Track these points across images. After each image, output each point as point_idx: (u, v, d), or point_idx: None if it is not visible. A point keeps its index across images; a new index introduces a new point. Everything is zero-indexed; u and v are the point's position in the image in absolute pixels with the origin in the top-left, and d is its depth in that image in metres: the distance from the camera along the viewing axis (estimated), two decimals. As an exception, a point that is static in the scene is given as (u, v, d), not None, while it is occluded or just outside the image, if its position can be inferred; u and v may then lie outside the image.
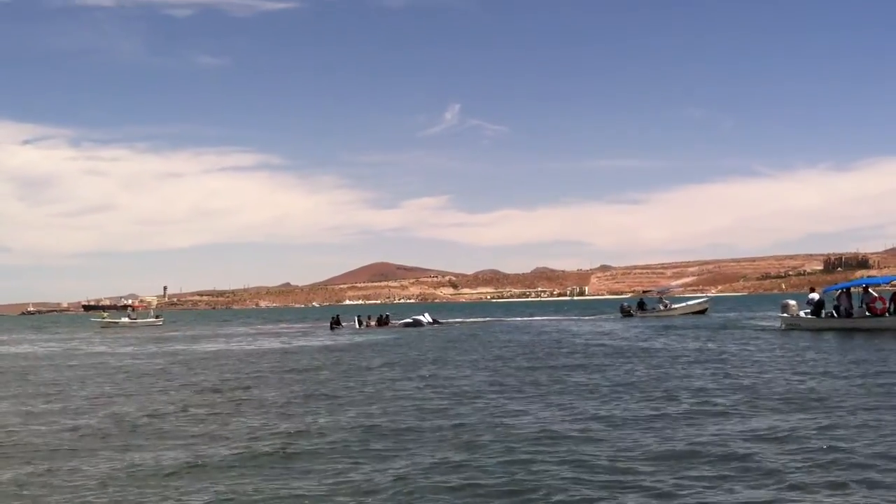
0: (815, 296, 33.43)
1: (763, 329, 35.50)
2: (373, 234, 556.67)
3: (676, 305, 61.90)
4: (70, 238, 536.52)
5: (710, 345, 26.91)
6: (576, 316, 70.17)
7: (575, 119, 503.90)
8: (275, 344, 39.04)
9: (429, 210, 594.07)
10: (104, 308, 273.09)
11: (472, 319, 69.68)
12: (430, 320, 57.88)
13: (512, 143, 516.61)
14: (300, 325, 67.01)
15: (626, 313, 60.11)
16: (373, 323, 56.67)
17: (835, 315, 31.39)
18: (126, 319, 75.74)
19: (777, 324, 35.54)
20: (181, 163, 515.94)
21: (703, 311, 59.10)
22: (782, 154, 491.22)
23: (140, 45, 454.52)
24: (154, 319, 79.28)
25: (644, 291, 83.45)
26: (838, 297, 31.21)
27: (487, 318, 70.88)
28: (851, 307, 30.68)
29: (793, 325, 33.46)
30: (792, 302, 35.33)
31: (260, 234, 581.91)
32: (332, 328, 55.28)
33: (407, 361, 24.39)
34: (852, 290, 31.60)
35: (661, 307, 59.77)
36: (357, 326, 55.02)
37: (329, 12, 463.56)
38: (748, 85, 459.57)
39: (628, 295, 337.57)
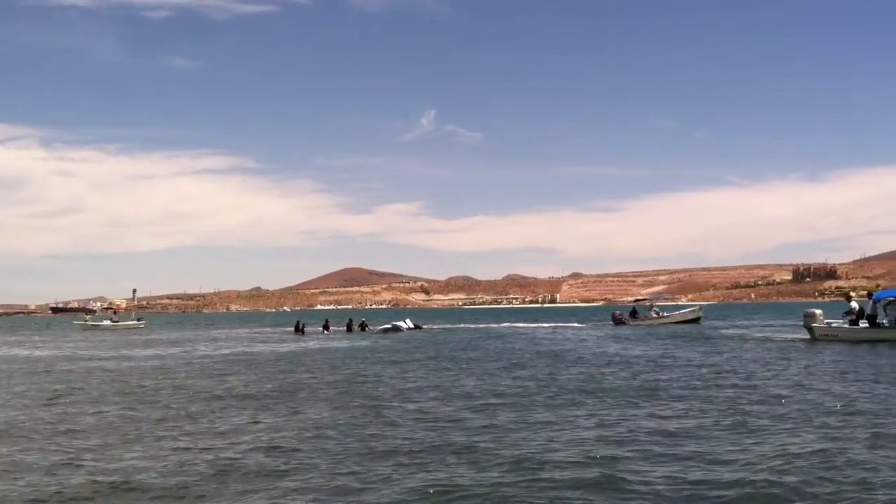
0: (855, 305, 32.18)
1: (774, 340, 34.58)
2: (345, 239, 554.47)
3: (669, 314, 62.00)
4: (39, 239, 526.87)
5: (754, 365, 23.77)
6: (564, 323, 69.98)
7: (549, 127, 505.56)
8: (265, 347, 38.41)
9: (402, 216, 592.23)
10: (73, 310, 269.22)
11: (462, 325, 69.36)
12: (412, 326, 57.20)
13: (486, 149, 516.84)
14: (284, 329, 66.30)
15: (618, 321, 60.00)
16: (332, 328, 56.58)
17: (868, 325, 30.44)
18: (108, 322, 74.49)
19: (803, 334, 34.11)
20: (153, 165, 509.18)
21: (696, 320, 59.16)
22: (754, 165, 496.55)
23: (114, 46, 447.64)
24: (136, 322, 77.95)
25: (636, 300, 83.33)
26: (884, 307, 30.29)
27: (473, 325, 70.46)
28: None
29: (828, 336, 31.66)
30: (818, 311, 33.88)
31: (232, 237, 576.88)
32: (302, 333, 55.11)
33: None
34: None
35: (654, 315, 59.75)
36: (323, 332, 55.06)
37: (306, 16, 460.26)
38: (721, 96, 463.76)
39: (599, 303, 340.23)
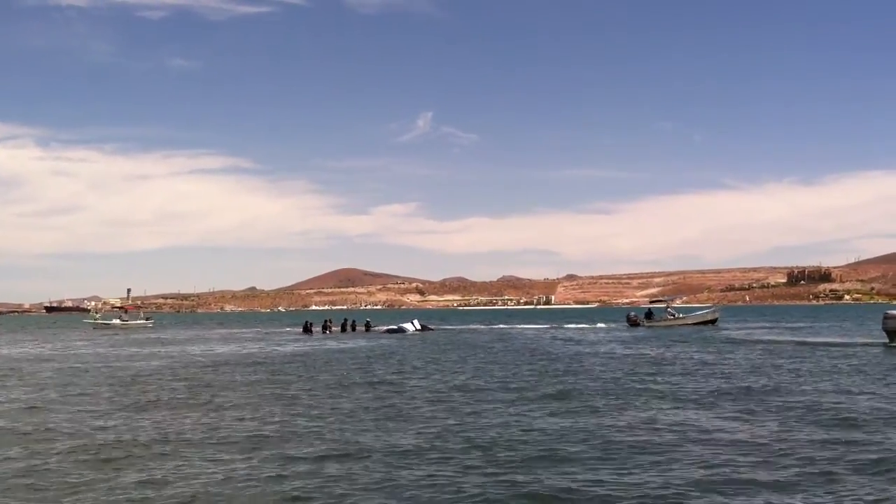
0: None
1: (851, 346, 32.57)
2: (341, 240, 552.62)
3: (685, 315, 62.01)
4: (36, 238, 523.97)
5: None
6: (576, 324, 69.90)
7: (546, 129, 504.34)
8: (285, 347, 38.35)
9: (397, 217, 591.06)
10: (67, 309, 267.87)
11: (473, 326, 69.43)
12: (419, 327, 57.22)
13: (482, 151, 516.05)
14: (292, 330, 66.98)
15: (633, 323, 59.89)
16: (335, 329, 57.76)
17: None
18: (118, 321, 74.69)
19: (871, 338, 33.20)
20: (149, 165, 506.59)
21: (713, 322, 59.24)
22: (749, 168, 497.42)
23: (112, 46, 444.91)
24: (145, 321, 78.30)
25: (652, 301, 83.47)
26: None
27: (483, 326, 70.66)
28: None
29: None
30: None
31: (227, 237, 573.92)
32: (311, 332, 56.81)
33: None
34: None
35: (669, 317, 59.76)
36: (322, 332, 56.20)
37: (303, 17, 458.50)
38: (718, 99, 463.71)
39: (594, 304, 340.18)
